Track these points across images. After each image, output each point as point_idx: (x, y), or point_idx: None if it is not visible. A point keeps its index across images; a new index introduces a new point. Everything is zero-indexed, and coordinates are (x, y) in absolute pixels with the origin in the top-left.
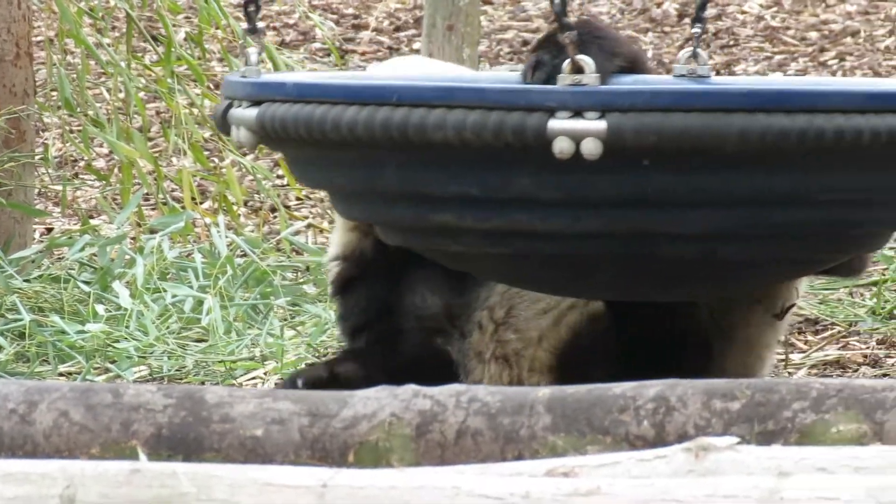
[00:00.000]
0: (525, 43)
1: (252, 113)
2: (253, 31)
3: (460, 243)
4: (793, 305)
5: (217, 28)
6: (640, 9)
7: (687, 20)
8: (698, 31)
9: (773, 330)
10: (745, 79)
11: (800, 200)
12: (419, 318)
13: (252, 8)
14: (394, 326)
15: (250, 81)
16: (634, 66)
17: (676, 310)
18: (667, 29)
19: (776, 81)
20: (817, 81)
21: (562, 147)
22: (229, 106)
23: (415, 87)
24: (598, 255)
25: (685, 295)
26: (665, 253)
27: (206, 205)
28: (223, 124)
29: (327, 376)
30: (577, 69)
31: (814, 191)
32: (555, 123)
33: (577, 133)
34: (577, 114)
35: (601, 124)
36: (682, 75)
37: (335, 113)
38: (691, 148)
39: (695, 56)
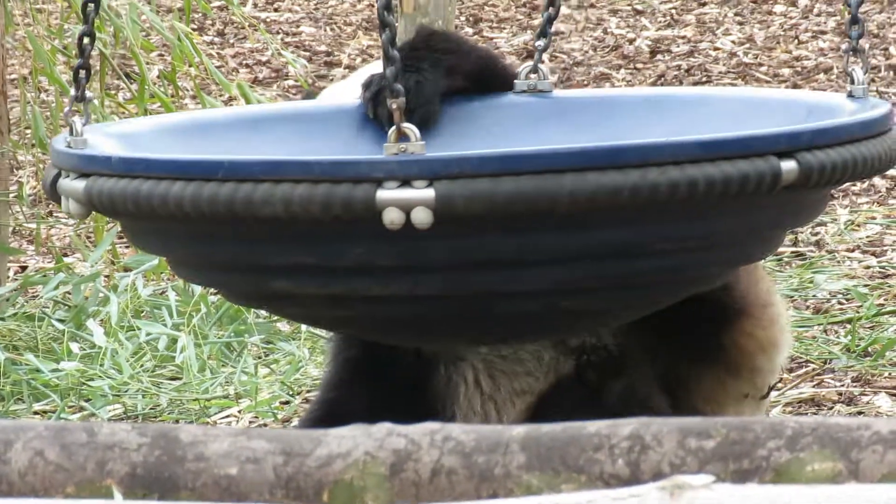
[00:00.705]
0: None
1: (80, 185)
2: (81, 98)
3: (301, 307)
4: (778, 381)
5: (190, 66)
6: (613, 45)
7: (660, 56)
8: (542, 44)
9: (762, 408)
10: (590, 92)
11: (638, 251)
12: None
13: (82, 74)
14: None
15: (77, 153)
16: (482, 83)
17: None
18: (639, 65)
19: (622, 95)
20: (664, 95)
21: (392, 218)
22: (58, 175)
23: (240, 162)
24: (440, 314)
25: (533, 341)
26: (506, 310)
27: None
28: (52, 193)
29: None
30: (404, 136)
31: (652, 241)
32: (383, 194)
33: (405, 203)
34: (406, 183)
35: (429, 193)
36: (524, 91)
37: (161, 189)
38: (523, 211)
39: (535, 70)
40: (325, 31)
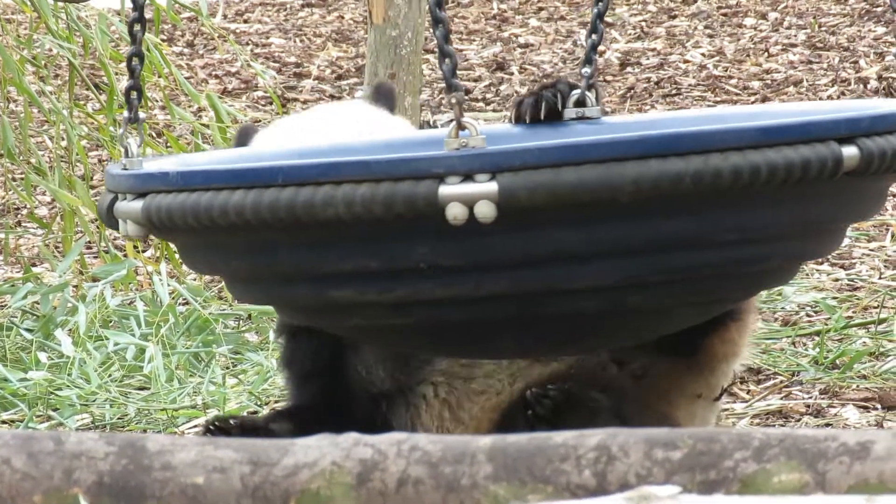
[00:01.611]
0: (467, 91)
1: (137, 205)
2: (135, 119)
3: (362, 317)
4: (732, 384)
5: (159, 76)
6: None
7: (630, 69)
8: (588, 71)
9: (714, 411)
10: (639, 115)
11: (704, 242)
12: (366, 389)
13: (134, 95)
14: (342, 383)
15: (133, 173)
16: None
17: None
18: (609, 78)
19: (669, 118)
20: (713, 115)
21: (455, 213)
22: (114, 199)
23: (299, 166)
24: (504, 316)
25: (592, 348)
26: (572, 308)
27: (149, 253)
28: (109, 219)
29: (262, 428)
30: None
31: (717, 231)
32: (445, 189)
33: (468, 197)
34: (468, 177)
35: (492, 186)
36: (572, 119)
37: (221, 199)
38: (587, 201)
39: (583, 99)
40: (295, 42)
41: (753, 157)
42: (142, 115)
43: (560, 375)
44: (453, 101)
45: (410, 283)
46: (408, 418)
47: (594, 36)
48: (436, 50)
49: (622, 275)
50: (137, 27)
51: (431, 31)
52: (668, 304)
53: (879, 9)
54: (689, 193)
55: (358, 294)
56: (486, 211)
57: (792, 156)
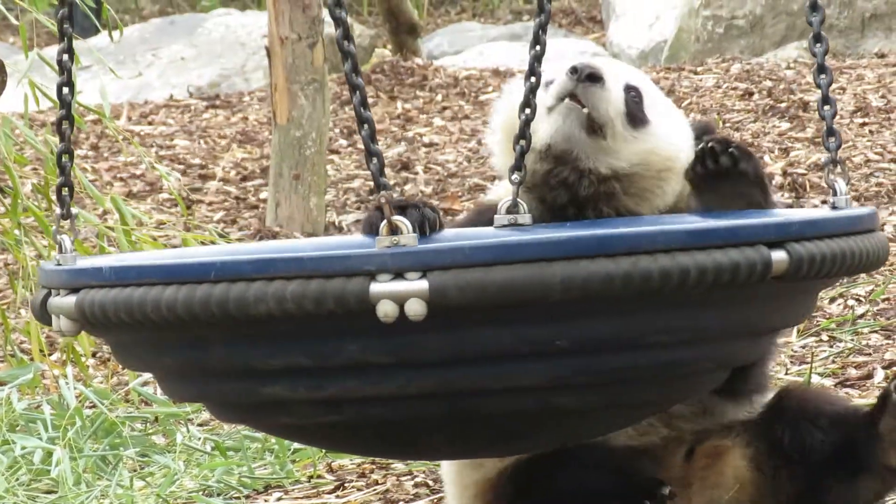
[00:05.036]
0: (371, 192)
1: (71, 300)
2: (66, 216)
3: (292, 415)
4: None
5: None
6: (487, 156)
7: None
8: (518, 178)
9: None
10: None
11: (631, 344)
12: None
13: (65, 192)
14: None
15: (66, 269)
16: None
17: None
18: None
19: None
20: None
21: (385, 310)
22: (48, 295)
23: (232, 262)
24: (433, 415)
25: (524, 449)
26: (500, 407)
27: (55, 356)
28: (42, 314)
29: None
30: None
31: (645, 333)
32: (376, 287)
33: (399, 295)
34: (399, 275)
35: (423, 284)
36: (504, 225)
37: (154, 294)
38: (516, 300)
39: (515, 205)
40: (199, 144)
41: (683, 260)
42: (74, 210)
43: None
44: (382, 199)
45: (340, 380)
46: None
47: (522, 142)
48: (339, 151)
49: (549, 375)
50: (66, 124)
51: (336, 131)
52: (591, 406)
53: (783, 104)
54: (619, 294)
55: (288, 391)
56: (416, 308)
57: (721, 259)
